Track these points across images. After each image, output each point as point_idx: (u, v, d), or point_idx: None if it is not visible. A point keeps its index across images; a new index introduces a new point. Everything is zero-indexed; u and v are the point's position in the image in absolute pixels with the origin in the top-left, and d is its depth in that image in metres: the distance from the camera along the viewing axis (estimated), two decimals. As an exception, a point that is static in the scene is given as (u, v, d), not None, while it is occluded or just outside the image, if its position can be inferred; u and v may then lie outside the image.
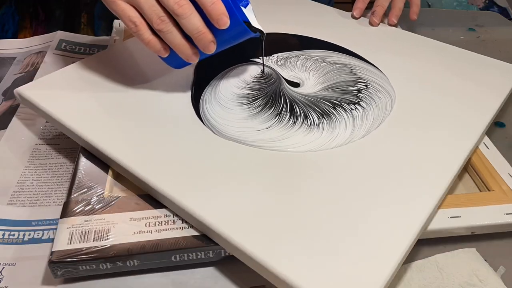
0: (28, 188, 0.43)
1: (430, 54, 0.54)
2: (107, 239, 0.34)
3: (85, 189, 0.38)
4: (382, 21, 0.61)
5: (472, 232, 0.37)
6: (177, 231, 0.35)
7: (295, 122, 0.43)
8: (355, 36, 0.57)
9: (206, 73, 0.49)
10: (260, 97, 0.46)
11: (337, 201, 0.35)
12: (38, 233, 0.39)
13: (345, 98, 0.46)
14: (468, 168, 0.44)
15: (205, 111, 0.44)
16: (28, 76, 0.57)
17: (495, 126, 0.49)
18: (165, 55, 0.41)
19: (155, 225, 0.35)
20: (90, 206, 0.37)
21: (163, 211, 0.37)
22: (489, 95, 0.47)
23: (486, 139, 0.45)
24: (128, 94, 0.46)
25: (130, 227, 0.35)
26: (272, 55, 0.53)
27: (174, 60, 0.43)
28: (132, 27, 0.39)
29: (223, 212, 0.34)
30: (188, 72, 0.49)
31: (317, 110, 0.44)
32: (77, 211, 0.36)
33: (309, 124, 0.43)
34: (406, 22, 0.64)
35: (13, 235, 0.39)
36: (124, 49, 0.53)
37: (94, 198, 0.37)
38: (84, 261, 0.33)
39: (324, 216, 0.34)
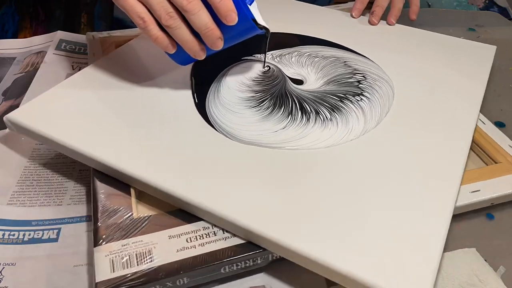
0: (28, 188, 0.43)
1: (416, 42, 0.56)
2: (151, 260, 0.33)
3: (111, 213, 0.36)
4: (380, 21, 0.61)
5: (491, 203, 0.40)
6: (221, 242, 0.34)
7: (308, 120, 0.43)
8: (340, 30, 0.58)
9: (203, 77, 0.49)
10: (267, 98, 0.46)
11: (369, 190, 0.36)
12: (38, 233, 0.39)
13: (348, 90, 0.47)
14: (472, 145, 0.45)
15: (214, 117, 0.43)
16: (28, 76, 0.57)
17: (495, 126, 0.49)
18: (173, 51, 0.41)
19: (196, 239, 0.34)
20: (122, 229, 0.35)
21: (201, 224, 0.36)
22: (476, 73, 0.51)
23: (481, 116, 0.48)
24: (127, 105, 0.44)
25: (171, 244, 0.34)
26: (267, 53, 0.53)
27: (181, 56, 0.43)
28: (140, 23, 0.39)
29: (265, 216, 0.33)
30: (185, 80, 0.48)
31: (326, 105, 0.45)
32: (111, 237, 0.34)
33: (322, 119, 0.43)
34: (405, 22, 0.64)
35: (13, 235, 0.39)
36: (111, 59, 0.50)
37: (125, 221, 0.35)
38: (132, 287, 0.31)
39: (363, 207, 0.35)
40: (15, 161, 0.46)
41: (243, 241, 0.34)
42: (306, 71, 0.50)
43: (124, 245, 0.34)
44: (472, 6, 0.80)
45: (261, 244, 0.34)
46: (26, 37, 0.66)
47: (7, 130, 0.49)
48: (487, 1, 0.81)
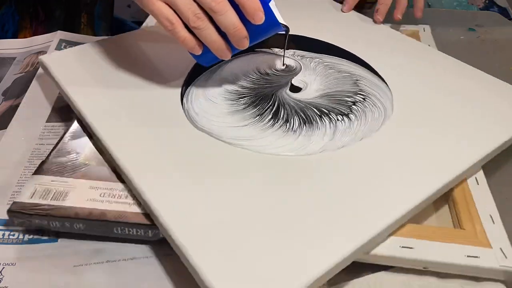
0: (28, 188, 0.43)
1: (443, 72, 0.51)
2: (63, 200, 0.37)
3: (65, 153, 0.41)
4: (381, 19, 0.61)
5: (424, 268, 0.34)
6: (124, 205, 0.37)
7: (273, 125, 0.43)
8: (374, 44, 0.56)
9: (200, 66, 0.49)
10: (248, 96, 0.47)
11: (276, 208, 0.34)
12: (38, 233, 0.39)
13: (336, 108, 0.45)
14: (449, 200, 0.40)
15: (189, 97, 0.46)
16: (28, 76, 0.57)
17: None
18: (199, 52, 0.41)
19: (108, 196, 0.38)
20: (63, 168, 0.40)
21: (121, 186, 0.38)
22: (496, 126, 0.43)
23: (480, 174, 0.41)
24: (130, 80, 0.48)
25: (87, 193, 0.38)
26: (290, 50, 0.54)
27: (206, 57, 0.43)
28: (168, 25, 0.39)
29: (169, 200, 0.35)
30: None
31: (301, 116, 0.44)
32: (49, 171, 0.39)
33: (287, 128, 0.43)
34: (409, 21, 0.64)
35: (13, 235, 0.39)
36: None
37: (70, 163, 0.40)
38: (37, 216, 0.36)
39: (261, 219, 0.34)
40: (15, 161, 0.46)
41: (142, 212, 0.36)
42: (313, 79, 0.50)
43: (53, 181, 0.38)
44: (472, 6, 0.80)
45: (154, 220, 0.35)
46: (26, 37, 0.66)
47: (7, 130, 0.49)
48: (487, 1, 0.81)
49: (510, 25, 0.72)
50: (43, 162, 0.40)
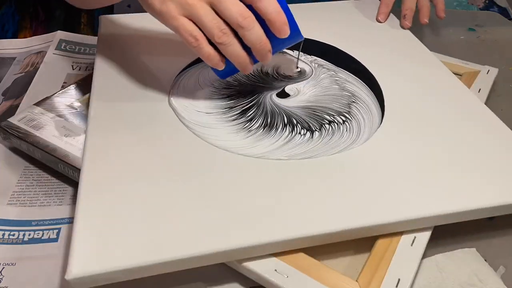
0: (28, 188, 0.43)
1: (448, 103, 0.47)
2: (37, 130, 0.44)
3: (66, 96, 0.49)
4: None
5: None
6: (74, 148, 0.43)
7: (234, 119, 0.44)
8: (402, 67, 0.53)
9: None
10: (233, 89, 0.48)
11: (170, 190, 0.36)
12: (38, 233, 0.39)
13: (307, 121, 0.44)
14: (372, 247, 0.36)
15: (178, 84, 0.47)
16: (28, 76, 0.57)
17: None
18: (223, 67, 0.40)
19: (69, 138, 0.44)
20: (52, 107, 0.47)
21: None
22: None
23: (424, 236, 0.36)
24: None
25: (56, 131, 0.44)
26: (311, 56, 0.54)
27: (225, 71, 0.42)
28: (192, 41, 0.38)
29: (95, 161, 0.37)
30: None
31: (267, 119, 0.44)
32: (43, 104, 0.47)
33: (245, 126, 0.43)
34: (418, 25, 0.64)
35: (13, 235, 0.39)
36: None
37: (61, 104, 0.48)
38: (14, 137, 0.44)
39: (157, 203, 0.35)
40: (15, 161, 0.46)
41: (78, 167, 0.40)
42: (310, 90, 0.49)
43: (41, 113, 0.46)
44: (472, 6, 0.80)
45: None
46: (26, 37, 0.66)
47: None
48: (487, 1, 0.81)
49: (510, 25, 0.73)
50: (46, 97, 0.48)
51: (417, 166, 0.39)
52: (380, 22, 0.61)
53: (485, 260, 0.37)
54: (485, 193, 0.37)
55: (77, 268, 0.30)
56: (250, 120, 0.44)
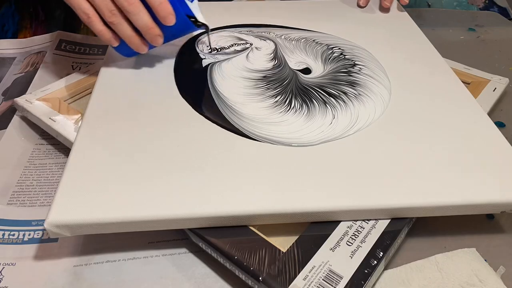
0: (28, 188, 0.43)
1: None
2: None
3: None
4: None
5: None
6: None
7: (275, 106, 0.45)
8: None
9: None
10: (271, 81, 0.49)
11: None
12: (38, 233, 0.39)
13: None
14: None
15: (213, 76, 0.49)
16: (28, 76, 0.57)
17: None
18: (116, 44, 0.45)
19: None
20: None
21: None
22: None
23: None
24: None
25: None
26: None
27: (125, 50, 0.46)
28: (85, 18, 0.42)
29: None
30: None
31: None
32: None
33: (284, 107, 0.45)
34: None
35: (13, 235, 0.39)
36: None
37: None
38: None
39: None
40: (15, 161, 0.46)
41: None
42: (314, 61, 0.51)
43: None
44: (472, 6, 0.80)
45: None
46: (26, 37, 0.66)
47: (7, 130, 0.49)
48: (487, 1, 0.81)
49: (510, 25, 0.72)
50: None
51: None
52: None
53: (485, 260, 0.37)
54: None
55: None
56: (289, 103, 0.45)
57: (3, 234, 0.39)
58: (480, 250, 0.37)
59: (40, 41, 0.64)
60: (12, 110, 0.51)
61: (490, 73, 0.54)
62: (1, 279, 0.36)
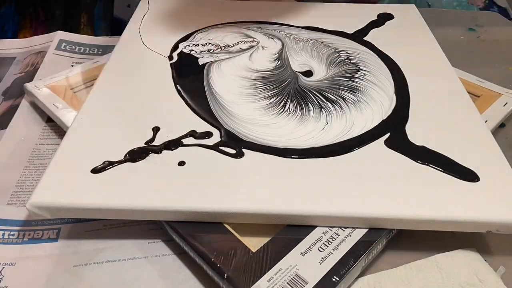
0: (28, 188, 0.43)
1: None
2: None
3: None
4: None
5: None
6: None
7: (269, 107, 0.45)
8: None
9: None
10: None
11: None
12: (38, 233, 0.39)
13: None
14: None
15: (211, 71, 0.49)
16: (28, 76, 0.57)
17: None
18: None
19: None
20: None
21: None
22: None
23: None
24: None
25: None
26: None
27: None
28: None
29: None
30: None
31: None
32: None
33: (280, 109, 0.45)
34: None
35: (13, 235, 0.39)
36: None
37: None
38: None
39: None
40: (15, 161, 0.46)
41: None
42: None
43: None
44: (472, 6, 0.80)
45: None
46: (26, 37, 0.66)
47: (7, 130, 0.49)
48: (487, 1, 0.81)
49: (510, 25, 0.72)
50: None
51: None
52: None
53: (485, 260, 0.37)
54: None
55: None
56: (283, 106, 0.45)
57: (3, 234, 0.39)
58: (480, 250, 0.37)
59: (40, 41, 0.64)
60: (12, 110, 0.51)
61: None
62: (1, 279, 0.36)
